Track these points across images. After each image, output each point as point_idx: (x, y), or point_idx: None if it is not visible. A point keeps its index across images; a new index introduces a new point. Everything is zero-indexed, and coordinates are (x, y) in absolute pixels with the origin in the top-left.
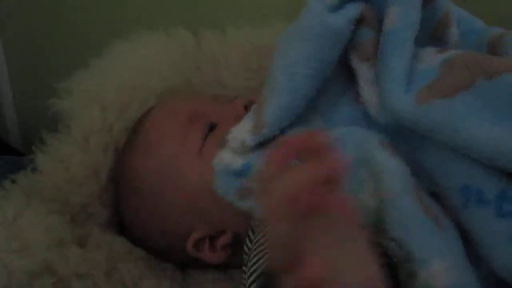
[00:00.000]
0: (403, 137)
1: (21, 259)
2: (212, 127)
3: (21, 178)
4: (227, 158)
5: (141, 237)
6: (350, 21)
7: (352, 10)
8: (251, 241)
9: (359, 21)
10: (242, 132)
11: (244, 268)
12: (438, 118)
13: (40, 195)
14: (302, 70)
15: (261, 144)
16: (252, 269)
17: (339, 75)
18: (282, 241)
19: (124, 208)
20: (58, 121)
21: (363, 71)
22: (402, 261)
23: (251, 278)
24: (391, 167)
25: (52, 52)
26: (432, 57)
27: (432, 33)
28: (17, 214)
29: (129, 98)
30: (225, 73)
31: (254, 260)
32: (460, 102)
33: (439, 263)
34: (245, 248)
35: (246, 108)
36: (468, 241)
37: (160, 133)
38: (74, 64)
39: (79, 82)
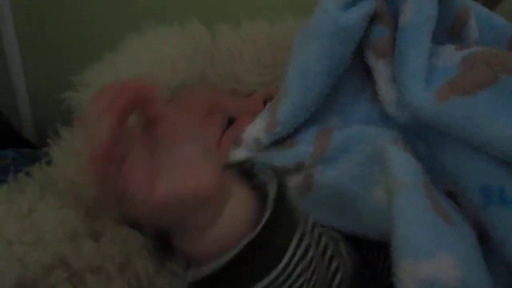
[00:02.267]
0: (421, 135)
1: (35, 252)
2: (230, 121)
3: (36, 171)
4: (241, 156)
5: None
6: (363, 18)
7: (365, 7)
8: None
9: (373, 18)
10: (256, 130)
11: None
12: (459, 115)
13: (54, 188)
14: (314, 68)
15: (276, 142)
16: None
17: (356, 74)
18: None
19: None
20: (72, 114)
21: (379, 68)
22: None
23: None
24: (402, 161)
25: (66, 45)
26: (451, 54)
27: (450, 29)
28: (32, 207)
29: None
30: (239, 67)
31: None
32: (482, 99)
33: (444, 257)
34: None
35: (265, 103)
36: (488, 242)
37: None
38: (88, 58)
39: (93, 76)
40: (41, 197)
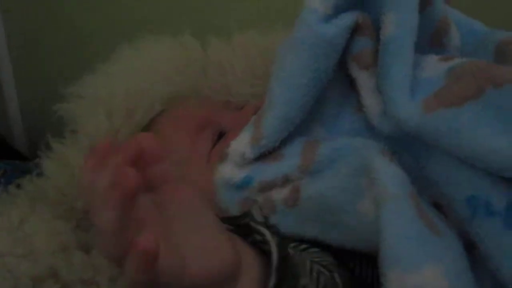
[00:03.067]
0: (407, 146)
1: (26, 264)
2: (221, 135)
3: (27, 183)
4: (228, 171)
5: None
6: (344, 29)
7: (346, 19)
8: None
9: (355, 31)
10: (241, 144)
11: None
12: (445, 127)
13: (45, 200)
14: (297, 80)
15: (262, 156)
16: None
17: (340, 85)
18: (109, 229)
19: None
20: (64, 126)
21: (363, 80)
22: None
23: None
24: (389, 172)
25: (58, 56)
26: (435, 66)
27: (431, 38)
28: (22, 219)
29: (136, 103)
30: (232, 79)
31: None
32: (468, 111)
33: (431, 268)
34: None
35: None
36: (474, 253)
37: (169, 140)
38: (80, 69)
39: (85, 87)
40: (32, 209)
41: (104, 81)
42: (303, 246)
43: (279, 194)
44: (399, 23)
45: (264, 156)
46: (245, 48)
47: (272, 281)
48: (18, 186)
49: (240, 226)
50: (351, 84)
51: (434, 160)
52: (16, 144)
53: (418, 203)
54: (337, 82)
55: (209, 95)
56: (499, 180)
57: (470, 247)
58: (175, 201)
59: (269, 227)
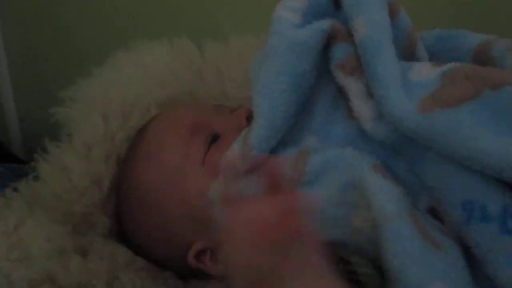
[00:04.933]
0: (401, 151)
1: (22, 269)
2: (214, 138)
3: (23, 187)
4: (221, 187)
5: (142, 247)
6: (317, 31)
7: (319, 24)
8: None
9: (333, 38)
10: (232, 158)
11: None
12: (442, 127)
13: (42, 204)
14: (275, 87)
15: (255, 169)
16: None
17: (329, 94)
18: (250, 268)
19: (125, 218)
20: (60, 129)
21: (351, 86)
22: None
23: None
24: (384, 189)
25: (55, 61)
26: (428, 70)
27: (405, 49)
28: (19, 223)
29: (132, 107)
30: (228, 83)
31: None
32: (465, 113)
33: (438, 286)
34: None
35: (248, 119)
36: (471, 257)
37: (162, 144)
38: (76, 73)
39: (81, 91)
40: (28, 213)
41: (100, 85)
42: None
43: None
44: (371, 24)
45: (256, 167)
46: (242, 52)
47: None
48: (15, 189)
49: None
50: (339, 92)
51: (429, 165)
52: (13, 148)
53: (417, 219)
54: (326, 91)
55: (205, 99)
56: (494, 185)
57: (467, 253)
58: None
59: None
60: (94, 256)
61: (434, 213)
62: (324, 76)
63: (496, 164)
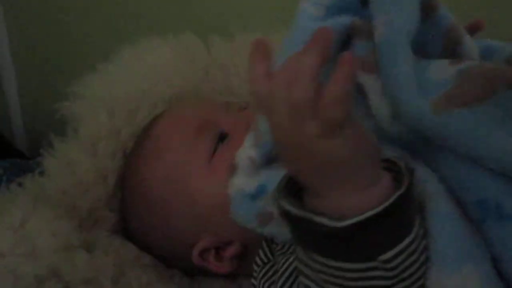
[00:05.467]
0: (417, 149)
1: (28, 264)
2: (222, 137)
3: (28, 182)
4: (240, 183)
5: (147, 244)
6: (339, 25)
7: (341, 19)
8: (265, 253)
9: (354, 35)
10: (246, 149)
11: (253, 281)
12: (458, 127)
13: (47, 199)
14: None
15: (272, 161)
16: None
17: None
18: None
19: (130, 214)
20: (64, 124)
21: (370, 83)
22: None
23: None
24: (424, 171)
25: (59, 56)
26: (445, 69)
27: (443, 46)
28: (24, 218)
29: (137, 103)
30: (234, 79)
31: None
32: (480, 112)
33: (471, 269)
34: (258, 260)
35: None
36: None
37: (169, 141)
38: (81, 69)
39: (87, 87)
40: (33, 208)
41: (106, 81)
42: None
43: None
44: (387, 24)
45: (274, 161)
46: (247, 48)
47: (406, 183)
48: (20, 185)
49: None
50: (358, 89)
51: (445, 163)
52: (18, 144)
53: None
54: None
55: (211, 95)
56: (510, 183)
57: None
58: None
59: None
60: (100, 252)
61: None
62: None
63: (509, 163)
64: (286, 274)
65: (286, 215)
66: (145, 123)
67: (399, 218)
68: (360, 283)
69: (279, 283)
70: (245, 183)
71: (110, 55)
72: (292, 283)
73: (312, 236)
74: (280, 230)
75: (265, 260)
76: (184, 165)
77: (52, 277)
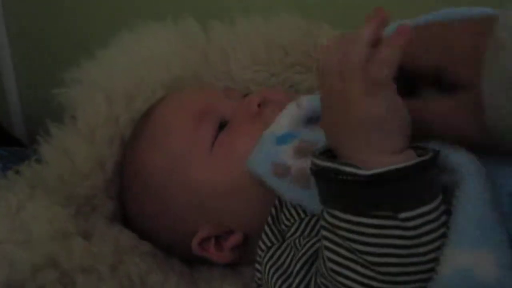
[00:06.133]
0: None
1: (24, 251)
2: (223, 124)
3: (25, 169)
4: (275, 127)
5: (147, 232)
6: None
7: None
8: (268, 238)
9: None
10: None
11: (257, 265)
12: None
13: (44, 186)
14: None
15: (311, 123)
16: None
17: None
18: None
19: (129, 201)
20: (63, 111)
21: None
22: None
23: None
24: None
25: (57, 42)
26: None
27: None
28: (21, 205)
29: (136, 89)
30: (234, 65)
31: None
32: None
33: (486, 253)
34: (261, 245)
35: (260, 105)
36: None
37: (169, 127)
38: (79, 54)
39: (85, 73)
40: (30, 195)
41: (104, 67)
42: None
43: None
44: None
45: (313, 123)
46: (248, 34)
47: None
48: (17, 172)
49: None
50: None
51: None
52: (15, 131)
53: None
54: None
55: (210, 81)
56: None
57: None
58: None
59: None
60: (98, 240)
61: None
62: None
63: None
64: (305, 258)
65: (317, 171)
66: (144, 109)
67: (421, 182)
68: (382, 240)
69: (298, 266)
70: (279, 127)
71: (109, 41)
72: (310, 266)
73: (339, 188)
74: (290, 189)
75: (269, 244)
76: (185, 152)
77: (49, 265)
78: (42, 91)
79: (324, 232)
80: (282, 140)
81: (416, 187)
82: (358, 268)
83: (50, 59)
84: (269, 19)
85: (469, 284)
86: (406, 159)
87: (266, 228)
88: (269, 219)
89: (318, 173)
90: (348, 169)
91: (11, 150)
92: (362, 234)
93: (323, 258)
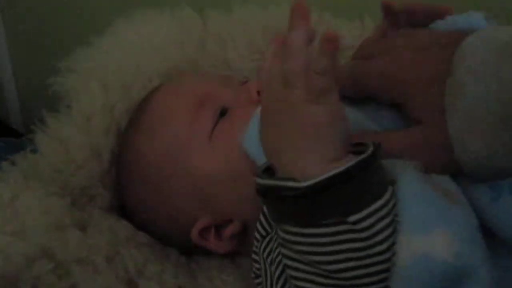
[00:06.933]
0: None
1: (18, 243)
2: (223, 111)
3: (20, 159)
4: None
5: (144, 222)
6: None
7: None
8: (263, 227)
9: None
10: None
11: (254, 256)
12: None
13: (39, 176)
14: None
15: None
16: None
17: None
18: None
19: (126, 191)
20: (58, 100)
21: None
22: None
23: None
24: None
25: (54, 31)
26: None
27: None
28: (14, 195)
29: (132, 78)
30: (231, 53)
31: None
32: None
33: (441, 232)
34: (257, 235)
35: (259, 93)
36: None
37: (167, 115)
38: (75, 43)
39: (80, 61)
40: (24, 186)
41: (99, 55)
42: None
43: None
44: None
45: None
46: (245, 22)
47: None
48: (13, 163)
49: None
50: None
51: None
52: (12, 122)
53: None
54: None
55: (208, 69)
56: None
57: (487, 235)
58: None
59: None
60: (93, 231)
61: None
62: None
63: None
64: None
65: (261, 190)
66: (140, 98)
67: (364, 182)
68: (336, 247)
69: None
70: None
71: (104, 29)
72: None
73: (285, 203)
74: None
75: (264, 234)
76: (184, 140)
77: (43, 256)
78: (38, 80)
79: (282, 250)
80: None
81: (360, 187)
82: (321, 279)
83: (46, 48)
84: (266, 7)
85: (428, 267)
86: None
87: (261, 217)
88: (265, 208)
89: (261, 192)
90: (288, 183)
91: (7, 141)
92: (317, 244)
93: (288, 277)
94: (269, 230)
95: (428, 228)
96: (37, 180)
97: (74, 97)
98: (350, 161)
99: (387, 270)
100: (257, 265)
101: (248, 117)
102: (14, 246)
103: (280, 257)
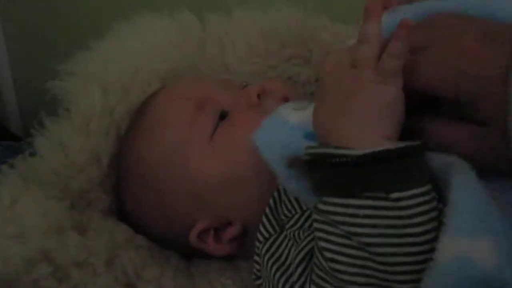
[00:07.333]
0: None
1: (18, 246)
2: (223, 115)
3: (19, 163)
4: (285, 112)
5: (143, 225)
6: None
7: None
8: (266, 229)
9: None
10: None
11: (256, 257)
12: None
13: (39, 180)
14: None
15: None
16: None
17: None
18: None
19: (125, 195)
20: (58, 104)
21: None
22: None
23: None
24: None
25: (53, 34)
26: None
27: None
28: (14, 199)
29: (132, 81)
30: (231, 57)
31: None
32: None
33: (486, 240)
34: (259, 236)
35: (259, 96)
36: None
37: (167, 118)
38: (75, 47)
39: (80, 65)
40: (24, 189)
41: (99, 58)
42: None
43: None
44: None
45: None
46: (245, 25)
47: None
48: (11, 166)
49: None
50: None
51: None
52: (11, 125)
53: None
54: None
55: (207, 72)
56: None
57: None
58: None
59: None
60: (92, 234)
61: None
62: None
63: None
64: (305, 250)
65: (310, 160)
66: (139, 101)
67: (413, 165)
68: (374, 221)
69: (298, 258)
70: (290, 115)
71: (104, 32)
72: (310, 259)
73: (333, 171)
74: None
75: (267, 236)
76: (183, 144)
77: (42, 259)
78: (37, 84)
79: (316, 225)
80: (311, 137)
81: (408, 168)
82: (353, 252)
83: (45, 52)
84: (266, 11)
85: (467, 271)
86: (397, 145)
87: (264, 219)
88: (267, 210)
89: (311, 161)
90: (341, 151)
91: (6, 144)
92: (356, 216)
93: (318, 250)
94: (272, 232)
95: (476, 233)
96: (36, 184)
97: (73, 101)
98: (401, 143)
99: (420, 253)
100: (257, 267)
101: (248, 120)
102: (14, 249)
103: (282, 260)
